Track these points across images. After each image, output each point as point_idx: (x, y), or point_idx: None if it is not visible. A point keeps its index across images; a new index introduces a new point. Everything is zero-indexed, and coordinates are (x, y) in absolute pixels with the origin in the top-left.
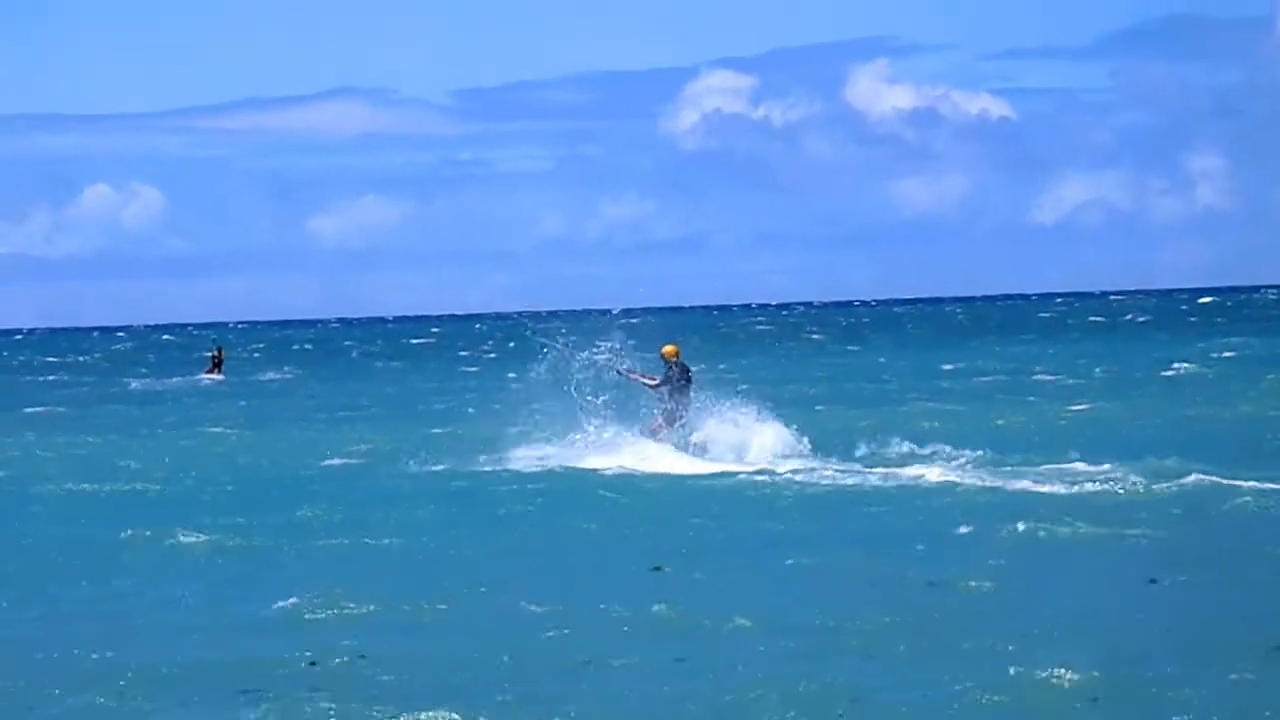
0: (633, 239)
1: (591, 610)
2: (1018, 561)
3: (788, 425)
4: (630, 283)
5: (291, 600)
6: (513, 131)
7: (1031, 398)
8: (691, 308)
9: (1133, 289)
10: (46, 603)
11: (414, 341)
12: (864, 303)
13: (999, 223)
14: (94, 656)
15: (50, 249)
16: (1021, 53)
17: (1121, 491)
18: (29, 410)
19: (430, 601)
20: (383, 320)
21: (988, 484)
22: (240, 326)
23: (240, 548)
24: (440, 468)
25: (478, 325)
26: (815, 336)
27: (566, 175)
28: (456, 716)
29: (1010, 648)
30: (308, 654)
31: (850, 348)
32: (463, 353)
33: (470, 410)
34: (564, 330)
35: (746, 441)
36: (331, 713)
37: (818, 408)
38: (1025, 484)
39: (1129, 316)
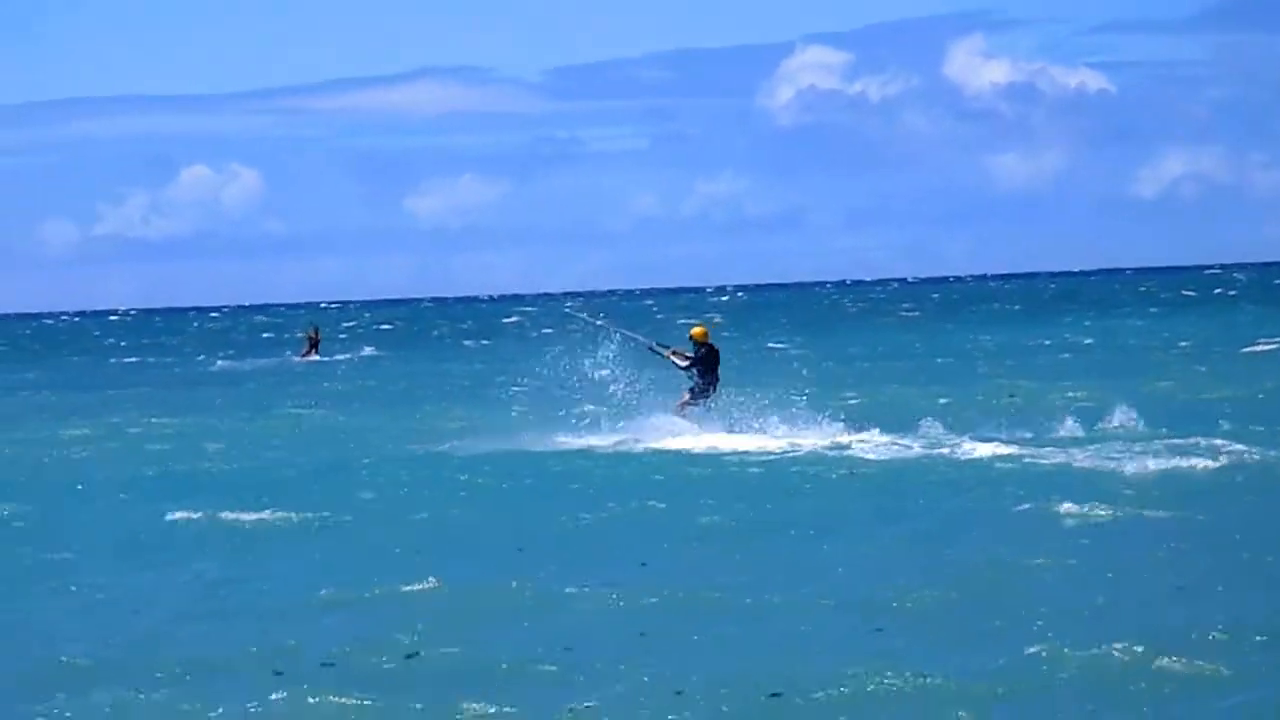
0: (727, 217)
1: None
2: (1083, 539)
3: (852, 403)
4: (725, 261)
5: (351, 583)
6: (607, 110)
7: (1112, 374)
8: (786, 285)
9: (1231, 263)
10: (107, 583)
11: (505, 321)
12: (959, 278)
13: (1096, 197)
14: (132, 639)
15: (148, 230)
16: (1119, 26)
17: (1194, 470)
18: (114, 392)
19: (490, 586)
20: (476, 299)
21: (1058, 461)
22: (333, 306)
23: (307, 528)
24: (503, 448)
25: (568, 305)
26: (909, 314)
27: (661, 154)
28: (510, 707)
29: (1070, 625)
30: (367, 638)
31: (945, 325)
32: (547, 330)
33: (538, 390)
34: (601, 313)
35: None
36: (395, 699)
37: (894, 385)
38: (1095, 461)
39: (1218, 290)
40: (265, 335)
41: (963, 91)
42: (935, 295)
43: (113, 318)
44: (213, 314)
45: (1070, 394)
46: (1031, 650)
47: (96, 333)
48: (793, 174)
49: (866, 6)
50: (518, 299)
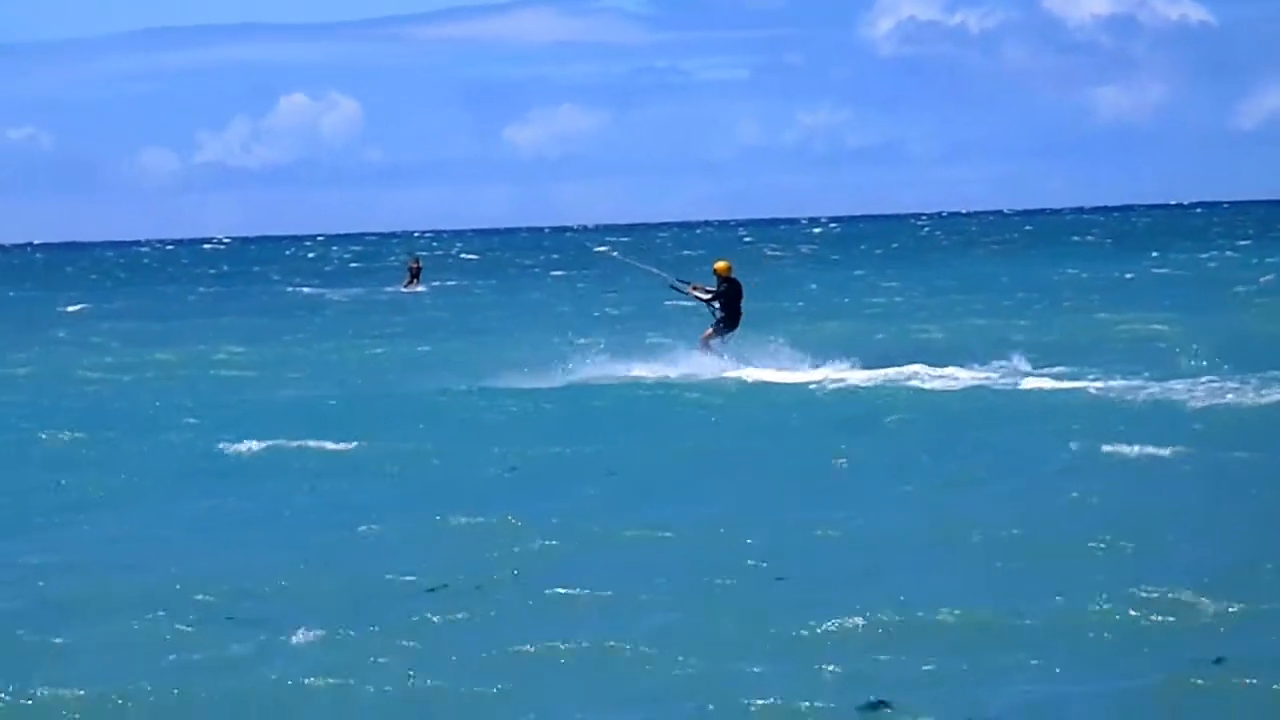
0: (828, 148)
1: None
2: (1136, 476)
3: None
4: (825, 191)
5: (414, 519)
6: (708, 40)
7: (1190, 308)
8: (883, 216)
9: None
10: (167, 515)
11: (595, 249)
12: (1055, 210)
13: (1198, 130)
14: (194, 571)
15: (248, 158)
16: None
17: (1260, 405)
18: (198, 320)
19: (551, 523)
20: (571, 229)
21: (1123, 396)
22: (426, 235)
23: (360, 462)
24: (546, 385)
25: (659, 236)
26: (996, 246)
27: (763, 84)
28: (584, 640)
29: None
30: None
31: (1032, 255)
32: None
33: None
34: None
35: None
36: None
37: (974, 318)
38: (1160, 394)
39: None
40: (354, 265)
41: (1064, 24)
42: (1029, 228)
43: (206, 246)
44: (306, 243)
45: (1147, 327)
46: (1090, 591)
47: (185, 261)
48: (892, 105)
49: None
50: (615, 228)
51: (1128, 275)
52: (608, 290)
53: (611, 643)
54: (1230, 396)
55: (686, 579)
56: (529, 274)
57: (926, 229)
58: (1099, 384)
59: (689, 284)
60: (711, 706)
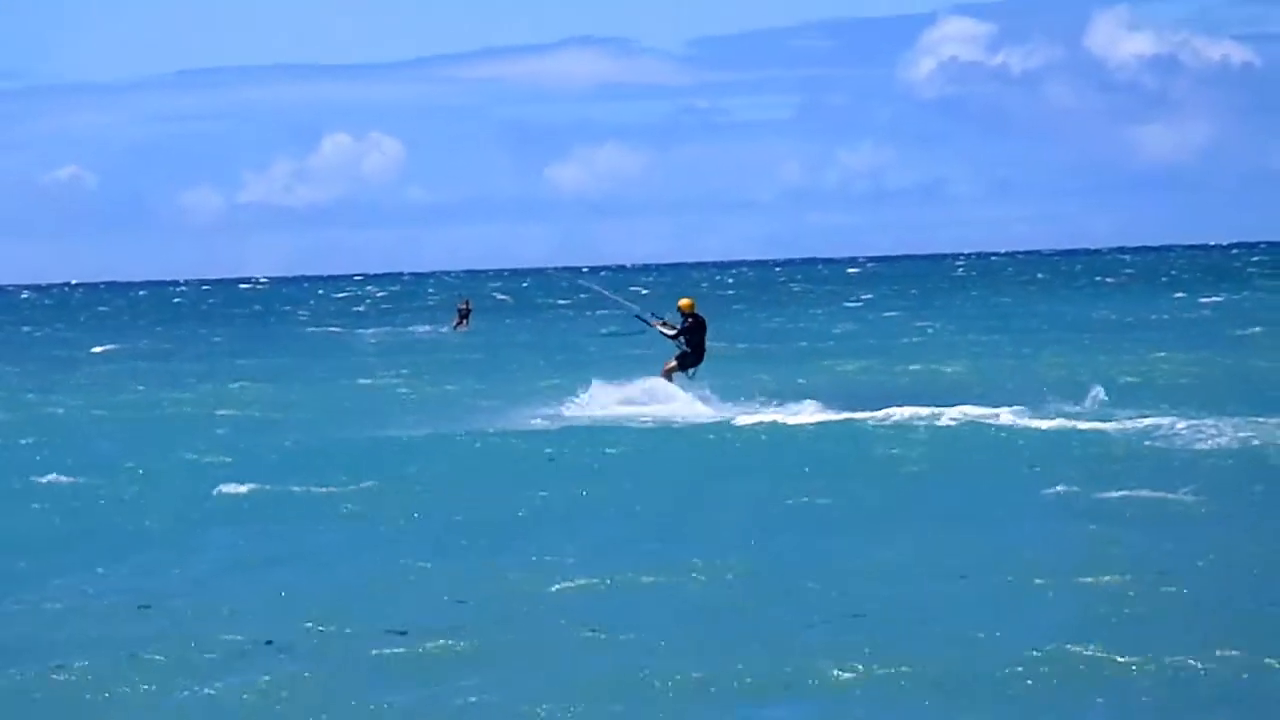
0: (870, 187)
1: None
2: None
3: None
4: (868, 231)
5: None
6: (750, 80)
7: (1203, 347)
8: (922, 256)
9: None
10: (198, 563)
11: (641, 291)
12: (1097, 251)
13: (1241, 170)
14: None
15: (290, 198)
16: None
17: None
18: (224, 361)
19: (568, 564)
20: (612, 268)
21: (1112, 437)
22: (457, 277)
23: (370, 503)
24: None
25: (693, 274)
26: (1027, 284)
27: (804, 124)
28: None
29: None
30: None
31: (1063, 293)
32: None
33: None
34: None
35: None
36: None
37: (974, 359)
38: (1166, 440)
39: None
40: (385, 306)
41: (1106, 63)
42: (1064, 268)
43: (243, 286)
44: (343, 283)
45: (1155, 369)
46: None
47: (212, 300)
48: (934, 145)
49: None
50: (652, 268)
51: (1151, 316)
52: (633, 331)
53: (628, 681)
54: (1226, 440)
55: (703, 622)
56: (563, 315)
57: (961, 269)
58: (1081, 424)
59: (657, 319)
60: None
